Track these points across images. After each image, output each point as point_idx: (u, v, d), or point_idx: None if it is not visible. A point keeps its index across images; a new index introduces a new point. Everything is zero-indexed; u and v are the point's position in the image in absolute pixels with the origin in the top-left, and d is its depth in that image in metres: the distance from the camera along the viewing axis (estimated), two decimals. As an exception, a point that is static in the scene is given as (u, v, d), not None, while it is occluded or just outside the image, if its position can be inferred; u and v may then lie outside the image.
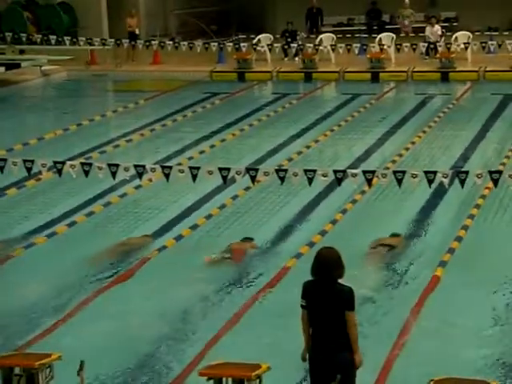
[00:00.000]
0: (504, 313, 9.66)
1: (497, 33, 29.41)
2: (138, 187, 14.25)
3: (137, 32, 28.84)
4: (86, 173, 11.88)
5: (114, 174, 11.88)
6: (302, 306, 7.14)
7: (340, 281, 7.07)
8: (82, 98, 25.44)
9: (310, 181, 11.43)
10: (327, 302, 7.02)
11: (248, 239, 11.96)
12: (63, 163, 12.01)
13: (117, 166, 11.83)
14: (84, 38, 26.72)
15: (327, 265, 7.04)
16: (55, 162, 12.03)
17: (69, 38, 26.83)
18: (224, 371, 7.32)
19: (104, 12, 32.35)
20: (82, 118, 20.58)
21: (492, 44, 26.12)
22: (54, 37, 27.08)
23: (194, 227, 12.66)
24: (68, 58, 27.73)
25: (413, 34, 29.27)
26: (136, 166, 11.80)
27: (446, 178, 11.28)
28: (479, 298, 10.02)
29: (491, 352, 8.65)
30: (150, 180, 13.99)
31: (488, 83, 24.29)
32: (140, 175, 11.89)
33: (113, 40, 26.81)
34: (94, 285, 10.61)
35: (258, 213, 13.42)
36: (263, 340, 9.04)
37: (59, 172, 11.95)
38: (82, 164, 12.05)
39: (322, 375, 7.07)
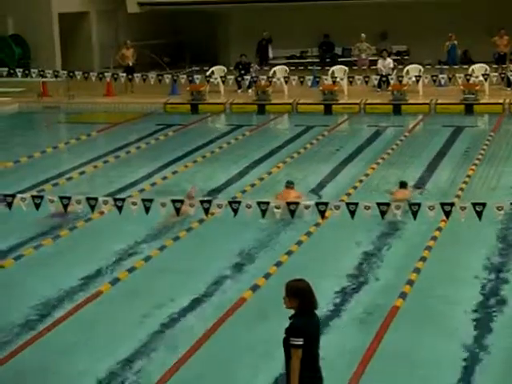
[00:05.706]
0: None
1: (447, 66, 29.84)
2: (88, 220, 14.12)
3: (130, 64, 28.48)
4: (37, 206, 11.72)
5: (65, 207, 11.76)
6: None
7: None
8: (34, 130, 25.20)
9: (264, 213, 11.41)
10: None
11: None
12: (13, 196, 11.84)
13: (69, 198, 11.70)
14: (36, 70, 26.53)
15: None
16: (5, 195, 11.86)
17: (21, 69, 26.66)
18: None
19: (57, 44, 32.28)
20: (34, 150, 20.37)
21: (442, 77, 26.49)
22: (6, 69, 26.85)
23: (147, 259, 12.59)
24: (20, 90, 27.56)
25: (364, 67, 29.58)
26: (88, 199, 11.68)
27: (398, 209, 11.40)
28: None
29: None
30: (102, 213, 13.85)
31: (439, 116, 24.58)
32: (92, 208, 11.77)
33: (65, 72, 26.66)
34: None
35: (212, 245, 13.34)
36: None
37: (9, 205, 11.77)
38: (33, 197, 11.89)
39: None
